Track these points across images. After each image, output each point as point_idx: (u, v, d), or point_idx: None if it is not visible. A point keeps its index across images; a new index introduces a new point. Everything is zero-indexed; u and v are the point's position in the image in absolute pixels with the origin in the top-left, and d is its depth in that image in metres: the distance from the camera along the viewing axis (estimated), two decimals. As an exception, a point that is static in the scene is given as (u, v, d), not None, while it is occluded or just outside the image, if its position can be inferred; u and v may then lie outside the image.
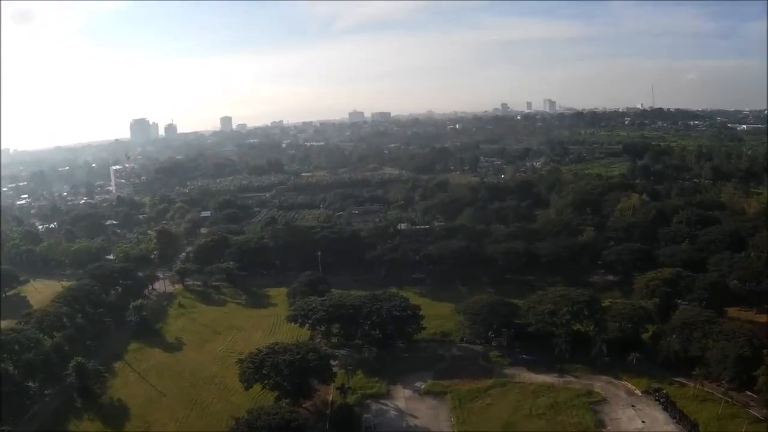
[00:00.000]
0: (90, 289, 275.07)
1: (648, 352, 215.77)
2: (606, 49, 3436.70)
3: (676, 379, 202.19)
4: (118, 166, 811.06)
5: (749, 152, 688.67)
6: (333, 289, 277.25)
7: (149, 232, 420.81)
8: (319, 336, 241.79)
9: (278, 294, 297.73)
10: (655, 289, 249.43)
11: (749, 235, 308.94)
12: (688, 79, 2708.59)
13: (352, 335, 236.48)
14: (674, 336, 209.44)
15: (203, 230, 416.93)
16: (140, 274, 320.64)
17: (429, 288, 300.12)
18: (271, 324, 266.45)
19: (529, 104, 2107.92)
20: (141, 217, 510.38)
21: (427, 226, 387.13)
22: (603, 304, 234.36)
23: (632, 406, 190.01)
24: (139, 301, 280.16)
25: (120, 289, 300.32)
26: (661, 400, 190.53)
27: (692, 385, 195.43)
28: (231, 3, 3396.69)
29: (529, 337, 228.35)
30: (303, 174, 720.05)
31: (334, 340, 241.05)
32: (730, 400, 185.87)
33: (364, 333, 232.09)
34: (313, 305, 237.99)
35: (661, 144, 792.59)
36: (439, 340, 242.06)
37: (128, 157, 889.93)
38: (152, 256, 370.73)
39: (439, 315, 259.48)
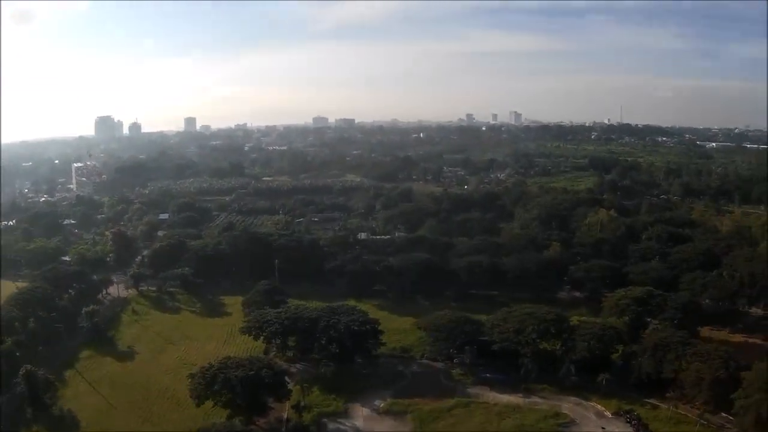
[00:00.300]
0: (43, 293, 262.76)
1: (618, 373, 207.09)
2: (574, 65, 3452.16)
3: (648, 400, 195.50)
4: (79, 164, 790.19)
5: (719, 170, 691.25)
6: (290, 300, 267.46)
7: (106, 233, 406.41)
8: (275, 349, 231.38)
9: (234, 302, 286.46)
10: (625, 308, 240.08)
11: (723, 253, 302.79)
12: (657, 97, 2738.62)
13: (308, 349, 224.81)
14: (646, 357, 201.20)
15: (161, 233, 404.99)
16: (95, 277, 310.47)
17: (389, 301, 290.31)
18: (225, 334, 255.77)
19: (494, 116, 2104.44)
20: (99, 217, 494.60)
21: (389, 237, 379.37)
22: (571, 323, 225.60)
23: (602, 428, 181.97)
24: (91, 307, 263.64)
25: (73, 293, 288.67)
26: (633, 422, 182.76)
27: (665, 407, 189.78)
28: (201, 3, 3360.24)
29: (494, 356, 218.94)
30: (264, 178, 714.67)
31: (290, 353, 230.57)
32: (705, 422, 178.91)
33: (321, 347, 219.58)
34: (269, 317, 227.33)
35: (629, 159, 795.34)
36: (399, 356, 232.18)
37: (90, 155, 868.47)
38: (108, 259, 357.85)
39: (399, 329, 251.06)
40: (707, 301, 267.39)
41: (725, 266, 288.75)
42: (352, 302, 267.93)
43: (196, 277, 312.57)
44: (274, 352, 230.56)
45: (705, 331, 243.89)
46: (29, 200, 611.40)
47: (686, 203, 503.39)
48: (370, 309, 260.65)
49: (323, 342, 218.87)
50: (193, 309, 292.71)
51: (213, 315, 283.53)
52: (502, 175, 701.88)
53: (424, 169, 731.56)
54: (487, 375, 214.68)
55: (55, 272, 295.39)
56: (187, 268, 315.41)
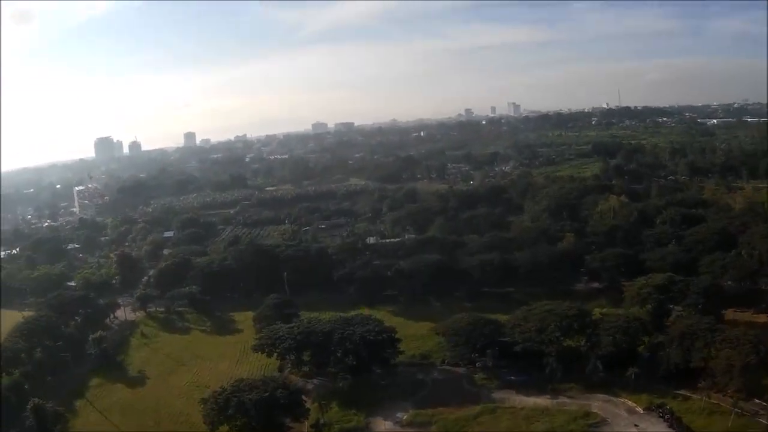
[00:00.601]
0: (47, 321, 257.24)
1: (646, 366, 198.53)
2: (569, 53, 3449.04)
3: (679, 392, 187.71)
4: (81, 187, 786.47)
5: (723, 146, 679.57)
6: (302, 312, 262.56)
7: (110, 255, 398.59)
8: (289, 365, 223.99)
9: (245, 318, 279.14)
10: (647, 296, 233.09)
11: (739, 232, 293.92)
12: (653, 78, 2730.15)
13: (324, 363, 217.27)
14: (674, 347, 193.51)
15: (166, 251, 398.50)
16: (102, 301, 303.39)
17: (403, 306, 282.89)
18: (238, 352, 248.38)
19: (493, 109, 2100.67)
20: (103, 239, 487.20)
21: (398, 239, 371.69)
22: (593, 316, 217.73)
23: (635, 425, 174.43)
24: (99, 333, 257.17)
25: (80, 320, 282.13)
26: (666, 417, 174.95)
27: (697, 398, 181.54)
28: (192, 17, 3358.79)
29: (516, 357, 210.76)
30: (267, 188, 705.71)
31: (306, 368, 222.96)
32: (739, 411, 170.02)
33: (337, 360, 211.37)
34: (280, 333, 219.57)
35: (632, 142, 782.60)
36: (418, 364, 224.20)
37: (90, 177, 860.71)
38: (114, 282, 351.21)
39: (416, 335, 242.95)
40: (729, 282, 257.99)
41: (742, 245, 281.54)
42: (364, 310, 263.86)
43: (204, 295, 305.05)
44: (288, 369, 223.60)
45: (729, 314, 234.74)
46: (32, 226, 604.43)
47: (695, 182, 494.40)
48: (384, 316, 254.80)
49: (339, 354, 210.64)
50: (203, 328, 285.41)
51: (224, 333, 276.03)
52: (506, 168, 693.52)
53: (427, 167, 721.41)
54: (512, 377, 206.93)
55: (60, 299, 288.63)
56: (194, 287, 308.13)
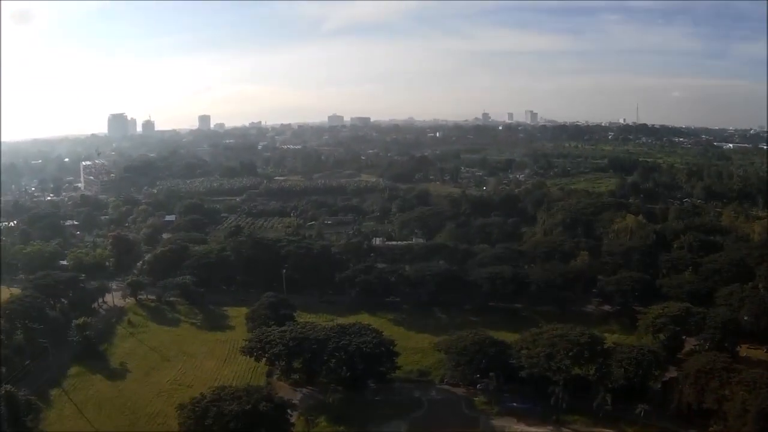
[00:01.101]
0: (33, 302, 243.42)
1: (656, 402, 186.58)
2: (591, 64, 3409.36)
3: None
4: (88, 162, 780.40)
5: (739, 172, 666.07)
6: (299, 313, 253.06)
7: (108, 236, 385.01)
8: (278, 371, 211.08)
9: (238, 314, 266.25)
10: (662, 327, 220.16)
11: (756, 264, 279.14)
12: (673, 97, 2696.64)
13: (316, 372, 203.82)
14: (688, 384, 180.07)
15: (166, 236, 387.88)
16: (94, 283, 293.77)
17: (405, 315, 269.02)
18: (226, 351, 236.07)
19: (510, 115, 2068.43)
20: (103, 218, 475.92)
21: (405, 242, 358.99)
22: (605, 344, 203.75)
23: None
24: (82, 319, 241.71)
25: (66, 303, 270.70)
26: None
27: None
28: (218, 3, 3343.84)
29: (521, 382, 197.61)
30: (276, 178, 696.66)
31: (296, 376, 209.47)
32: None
33: (329, 370, 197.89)
34: (271, 337, 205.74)
35: (648, 160, 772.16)
36: (416, 381, 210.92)
37: (98, 153, 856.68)
38: (108, 264, 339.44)
39: (416, 349, 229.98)
40: (745, 318, 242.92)
41: (759, 278, 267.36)
42: (364, 315, 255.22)
43: (199, 286, 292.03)
44: (277, 375, 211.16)
45: (743, 350, 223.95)
46: (35, 199, 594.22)
47: (710, 207, 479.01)
48: (384, 324, 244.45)
49: (332, 365, 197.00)
50: (194, 321, 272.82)
51: (214, 328, 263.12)
52: (521, 176, 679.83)
53: (441, 169, 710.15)
54: (514, 404, 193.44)
55: (49, 279, 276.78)
56: (188, 276, 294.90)
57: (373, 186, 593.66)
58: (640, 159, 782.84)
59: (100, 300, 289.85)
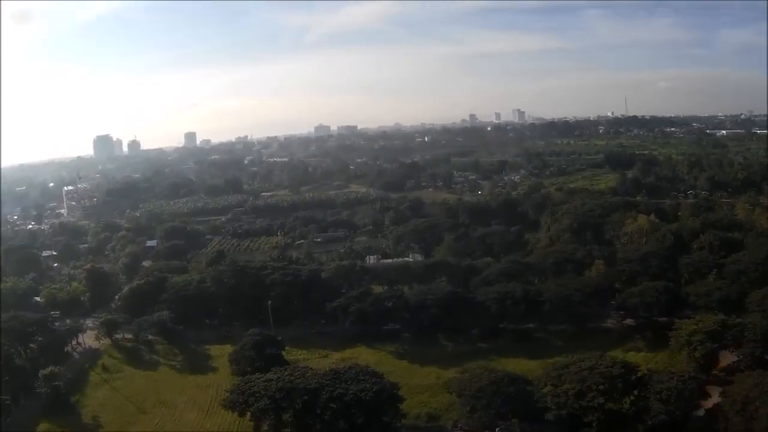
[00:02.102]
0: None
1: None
2: (576, 62, 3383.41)
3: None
4: (70, 187, 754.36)
5: (738, 159, 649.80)
6: (288, 349, 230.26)
7: (83, 269, 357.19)
8: (266, 427, 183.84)
9: (221, 353, 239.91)
10: (697, 344, 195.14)
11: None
12: (660, 87, 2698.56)
13: (309, 427, 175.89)
14: (734, 412, 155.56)
15: (147, 263, 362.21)
16: (69, 321, 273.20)
17: (407, 345, 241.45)
18: (209, 399, 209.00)
19: (498, 115, 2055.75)
20: (83, 247, 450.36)
21: (402, 260, 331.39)
22: (639, 372, 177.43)
23: None
24: (50, 369, 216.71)
25: (36, 348, 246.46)
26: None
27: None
28: (199, 16, 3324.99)
29: (546, 422, 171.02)
30: (263, 194, 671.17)
31: (287, 431, 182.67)
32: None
33: (325, 423, 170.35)
34: (255, 388, 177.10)
35: (644, 153, 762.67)
36: (425, 428, 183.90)
37: (80, 177, 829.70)
38: (84, 299, 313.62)
39: (421, 386, 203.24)
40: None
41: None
42: (361, 348, 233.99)
43: (178, 322, 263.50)
44: (266, 430, 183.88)
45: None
46: (15, 228, 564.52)
47: (717, 198, 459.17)
48: (384, 358, 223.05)
49: (327, 418, 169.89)
50: (174, 363, 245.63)
51: (196, 371, 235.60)
52: (516, 177, 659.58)
53: (433, 175, 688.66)
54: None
55: (17, 322, 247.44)
56: (165, 313, 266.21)
57: (363, 197, 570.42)
58: (636, 152, 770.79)
59: (74, 342, 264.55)
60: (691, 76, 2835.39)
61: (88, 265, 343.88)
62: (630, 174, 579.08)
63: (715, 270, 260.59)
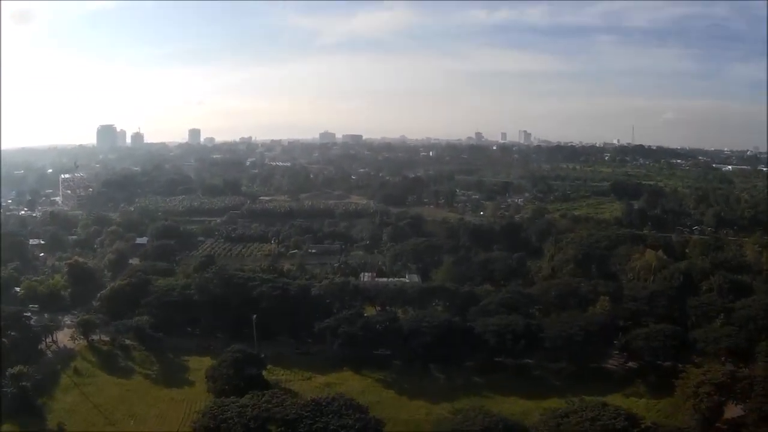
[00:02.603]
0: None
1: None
2: (585, 85, 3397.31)
3: None
4: (67, 175, 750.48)
5: (744, 196, 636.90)
6: (269, 367, 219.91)
7: (65, 262, 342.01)
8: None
9: (200, 366, 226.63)
10: (705, 396, 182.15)
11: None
12: (665, 118, 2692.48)
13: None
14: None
15: (133, 261, 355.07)
16: (47, 316, 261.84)
17: (396, 374, 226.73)
18: (181, 415, 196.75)
19: (504, 135, 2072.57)
20: (72, 238, 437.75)
21: (397, 279, 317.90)
22: (643, 424, 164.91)
23: None
24: (18, 368, 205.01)
25: (8, 343, 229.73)
26: None
27: None
28: (212, 13, 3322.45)
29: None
30: (261, 198, 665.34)
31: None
32: None
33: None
34: (229, 414, 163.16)
35: (650, 183, 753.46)
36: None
37: (77, 166, 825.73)
38: (65, 294, 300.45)
39: (410, 421, 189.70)
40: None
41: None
42: (347, 373, 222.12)
43: (158, 328, 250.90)
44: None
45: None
46: (7, 213, 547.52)
47: (723, 235, 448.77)
48: (370, 386, 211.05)
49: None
50: (149, 372, 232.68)
51: (171, 383, 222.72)
52: (519, 200, 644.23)
53: (435, 191, 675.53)
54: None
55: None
56: (146, 317, 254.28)
57: (363, 209, 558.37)
58: (643, 182, 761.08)
59: (48, 340, 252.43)
60: (697, 108, 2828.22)
61: (71, 260, 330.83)
62: (636, 205, 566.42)
63: (722, 314, 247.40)
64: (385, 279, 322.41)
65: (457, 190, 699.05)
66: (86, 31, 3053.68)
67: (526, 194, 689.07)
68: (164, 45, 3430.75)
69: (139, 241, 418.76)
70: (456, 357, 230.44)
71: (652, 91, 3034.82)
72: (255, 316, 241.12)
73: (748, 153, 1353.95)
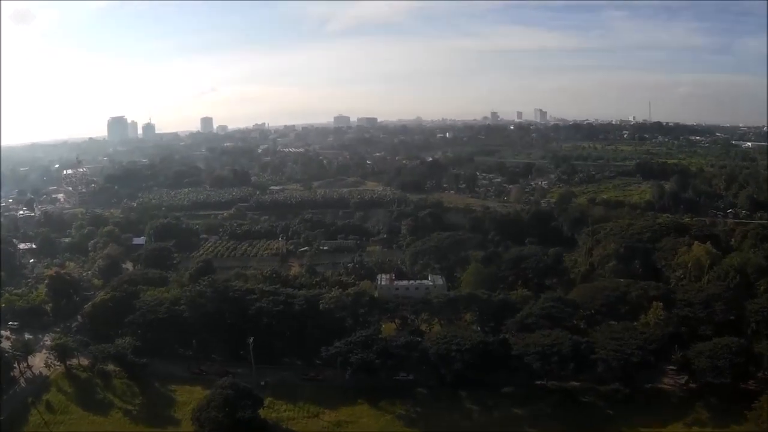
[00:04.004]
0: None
1: None
2: (599, 61, 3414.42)
3: None
4: (69, 171, 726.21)
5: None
6: (269, 401, 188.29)
7: (45, 275, 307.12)
8: None
9: (189, 398, 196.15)
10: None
11: None
12: (679, 93, 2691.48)
13: None
14: None
15: (127, 266, 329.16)
16: (28, 335, 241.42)
17: (419, 406, 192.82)
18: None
19: (519, 114, 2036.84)
20: (66, 240, 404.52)
21: (419, 282, 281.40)
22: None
23: None
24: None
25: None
26: None
27: None
28: (222, 3, 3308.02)
29: None
30: (272, 187, 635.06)
31: None
32: None
33: None
34: None
35: (680, 164, 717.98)
36: None
37: (79, 161, 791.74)
38: (47, 307, 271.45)
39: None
40: None
41: None
42: (363, 407, 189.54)
43: (143, 352, 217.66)
44: None
45: None
46: (6, 214, 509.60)
47: (757, 219, 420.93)
48: (390, 424, 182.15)
49: None
50: (130, 407, 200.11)
51: (153, 421, 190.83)
52: (544, 183, 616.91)
53: (455, 175, 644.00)
54: None
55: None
56: (128, 339, 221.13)
57: (379, 197, 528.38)
58: (668, 161, 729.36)
59: (25, 364, 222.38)
60: (709, 83, 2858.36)
61: (52, 271, 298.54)
62: (667, 187, 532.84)
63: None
64: (405, 282, 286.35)
65: (478, 174, 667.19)
66: (96, 25, 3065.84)
67: (551, 176, 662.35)
68: (175, 36, 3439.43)
69: (136, 241, 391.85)
70: (490, 380, 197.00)
71: (665, 67, 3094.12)
72: (252, 339, 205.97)
73: (764, 128, 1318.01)
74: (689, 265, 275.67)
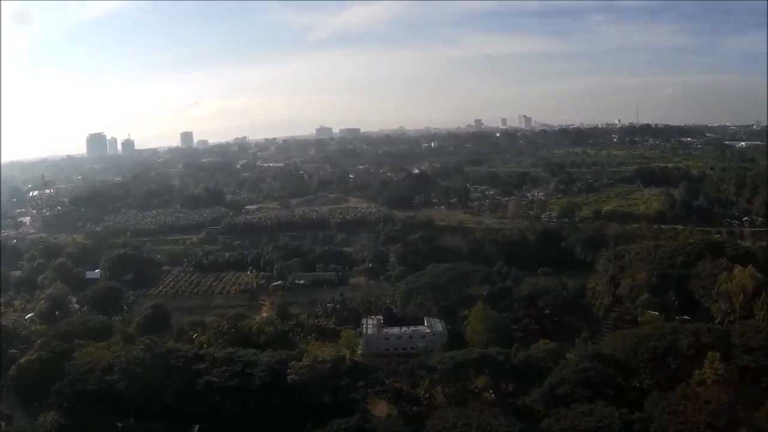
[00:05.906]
0: None
1: None
2: (581, 66, 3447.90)
3: None
4: (35, 193, 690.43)
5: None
6: None
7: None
8: None
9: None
10: None
11: None
12: (664, 95, 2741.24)
13: None
14: None
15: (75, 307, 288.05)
16: None
17: None
18: None
19: (504, 120, 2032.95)
20: (18, 274, 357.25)
21: (413, 330, 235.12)
22: None
23: None
24: None
25: None
26: None
27: None
28: (202, 16, 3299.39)
29: None
30: (247, 207, 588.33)
31: None
32: None
33: None
34: None
35: (672, 167, 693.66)
36: None
37: (45, 182, 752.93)
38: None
39: None
40: None
41: None
42: None
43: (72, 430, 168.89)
44: None
45: None
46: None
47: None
48: None
49: None
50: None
51: None
52: (541, 194, 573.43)
53: (445, 189, 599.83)
54: None
55: None
56: (53, 414, 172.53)
57: (363, 216, 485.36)
58: (663, 165, 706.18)
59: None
60: (695, 83, 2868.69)
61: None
62: (676, 195, 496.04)
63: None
64: (396, 330, 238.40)
65: (468, 186, 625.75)
66: (76, 41, 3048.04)
67: (548, 185, 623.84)
68: (154, 50, 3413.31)
69: (90, 275, 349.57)
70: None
71: (650, 69, 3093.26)
72: (197, 428, 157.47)
73: (753, 127, 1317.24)
74: (731, 293, 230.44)
